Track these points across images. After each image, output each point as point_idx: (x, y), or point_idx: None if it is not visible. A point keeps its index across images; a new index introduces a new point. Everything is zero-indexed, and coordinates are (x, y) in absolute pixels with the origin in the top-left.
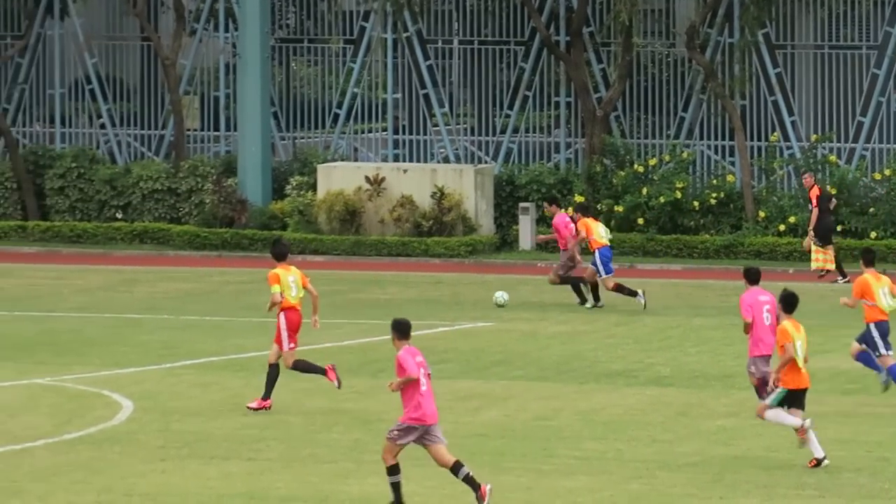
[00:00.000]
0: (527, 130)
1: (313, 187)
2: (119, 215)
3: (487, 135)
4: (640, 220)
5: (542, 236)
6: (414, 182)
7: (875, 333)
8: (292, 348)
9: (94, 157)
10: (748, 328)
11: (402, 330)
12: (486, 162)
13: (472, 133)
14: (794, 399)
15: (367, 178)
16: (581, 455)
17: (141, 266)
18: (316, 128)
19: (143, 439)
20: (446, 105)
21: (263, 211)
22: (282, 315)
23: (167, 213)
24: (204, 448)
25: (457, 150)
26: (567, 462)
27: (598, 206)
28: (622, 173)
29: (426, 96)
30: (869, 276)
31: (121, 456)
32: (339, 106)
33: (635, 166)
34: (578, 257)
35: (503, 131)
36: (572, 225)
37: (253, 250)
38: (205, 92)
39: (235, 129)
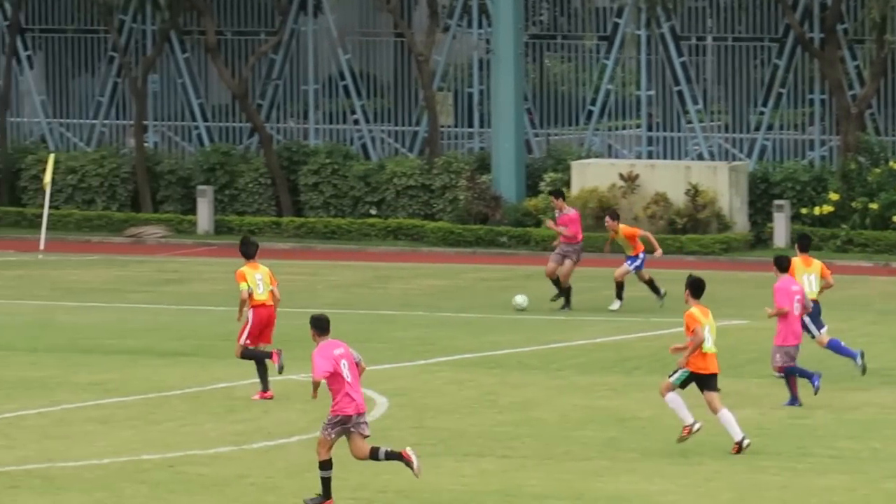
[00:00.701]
0: (781, 128)
1: (567, 184)
2: (373, 211)
3: (741, 132)
4: (895, 218)
5: (552, 223)
6: (668, 179)
7: (805, 318)
8: (247, 344)
9: (348, 154)
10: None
11: (318, 326)
12: (740, 159)
13: (726, 130)
14: (701, 382)
15: (621, 175)
16: (836, 454)
17: (395, 262)
18: (569, 124)
19: (397, 436)
20: (700, 102)
21: (517, 208)
22: (250, 312)
23: (421, 209)
24: (458, 445)
25: (710, 147)
26: (822, 461)
27: (853, 204)
28: (877, 171)
29: (679, 93)
30: (798, 259)
31: None
32: (593, 103)
33: (890, 164)
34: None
35: (757, 128)
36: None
37: (507, 247)
38: (458, 88)
39: (489, 126)
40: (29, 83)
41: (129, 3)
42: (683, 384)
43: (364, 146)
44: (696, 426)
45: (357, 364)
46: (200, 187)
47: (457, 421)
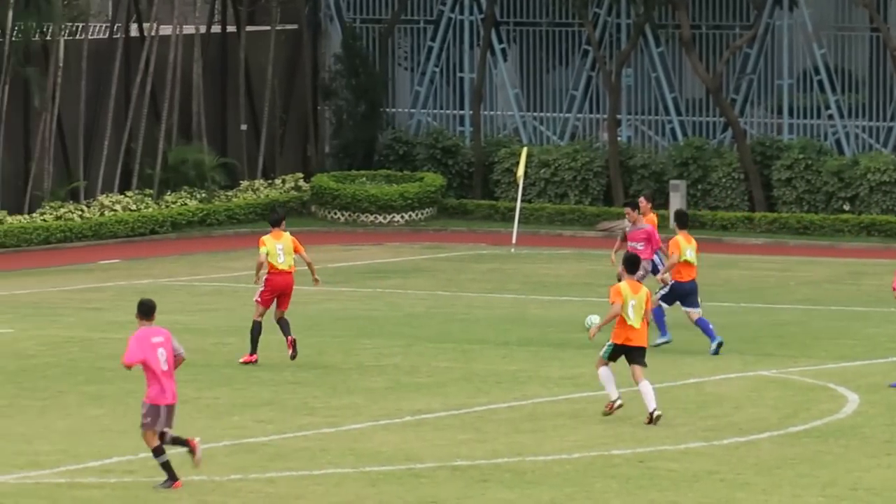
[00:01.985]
0: None
1: None
2: (846, 207)
3: None
4: None
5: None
6: None
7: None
8: (258, 302)
9: (822, 149)
10: None
11: (142, 310)
12: None
13: None
14: (628, 355)
15: None
16: None
17: (868, 259)
18: None
19: (868, 433)
20: None
21: None
22: (267, 276)
23: (895, 205)
24: None
25: None
26: None
27: None
28: None
29: None
30: (681, 237)
31: (846, 450)
32: None
33: None
34: None
35: None
36: None
37: None
38: None
39: None
40: (503, 76)
41: None
42: (612, 356)
43: (838, 141)
44: (619, 402)
45: (177, 356)
46: (673, 182)
47: None
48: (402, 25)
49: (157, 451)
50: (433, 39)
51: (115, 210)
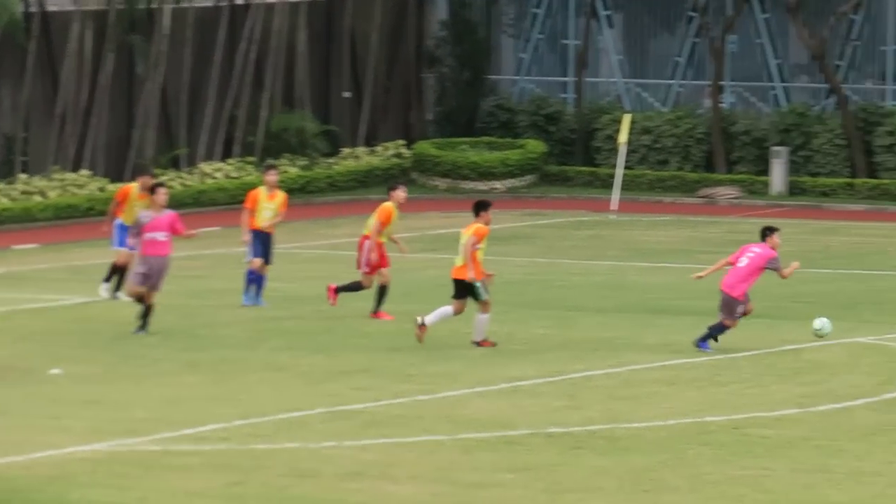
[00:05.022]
0: None
1: None
2: None
3: None
4: None
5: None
6: None
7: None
8: None
9: None
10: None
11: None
12: None
13: None
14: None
15: None
16: None
17: None
18: None
19: None
20: None
21: None
22: None
23: None
24: None
25: None
26: None
27: None
28: None
29: None
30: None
31: None
32: None
33: None
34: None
35: None
36: None
37: None
38: None
39: None
40: (607, 43)
41: None
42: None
43: None
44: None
45: None
46: (774, 148)
47: None
48: None
49: None
50: (538, 7)
51: (216, 178)
